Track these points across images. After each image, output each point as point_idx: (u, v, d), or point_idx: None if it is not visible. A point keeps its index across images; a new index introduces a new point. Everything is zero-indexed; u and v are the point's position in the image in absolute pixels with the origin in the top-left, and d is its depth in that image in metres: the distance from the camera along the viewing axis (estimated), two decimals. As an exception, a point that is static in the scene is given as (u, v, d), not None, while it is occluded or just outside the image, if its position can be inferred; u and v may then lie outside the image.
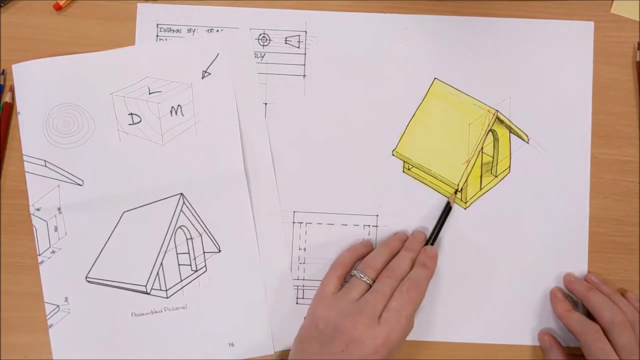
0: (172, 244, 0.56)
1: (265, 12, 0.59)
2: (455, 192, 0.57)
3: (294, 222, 0.57)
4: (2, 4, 0.58)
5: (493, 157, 0.58)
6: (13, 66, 0.57)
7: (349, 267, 0.54)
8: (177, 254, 0.56)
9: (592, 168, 0.57)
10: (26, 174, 0.57)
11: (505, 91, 0.58)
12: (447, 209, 0.56)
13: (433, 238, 0.56)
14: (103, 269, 0.56)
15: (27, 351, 0.56)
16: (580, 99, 0.58)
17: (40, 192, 0.56)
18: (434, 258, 0.54)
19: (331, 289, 0.52)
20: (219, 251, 0.57)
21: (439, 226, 0.56)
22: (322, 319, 0.50)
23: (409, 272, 0.52)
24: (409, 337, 0.56)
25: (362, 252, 0.55)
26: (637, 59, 0.58)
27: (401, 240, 0.55)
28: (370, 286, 0.51)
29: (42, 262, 0.56)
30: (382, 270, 0.52)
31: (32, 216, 0.56)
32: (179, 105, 0.57)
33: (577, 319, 0.53)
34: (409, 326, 0.50)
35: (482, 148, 0.58)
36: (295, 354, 0.51)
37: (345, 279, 0.54)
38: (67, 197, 0.56)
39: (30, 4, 0.59)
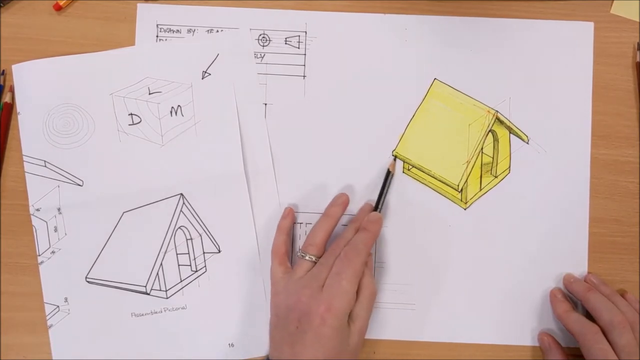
0: (172, 244, 0.56)
1: (265, 13, 0.59)
2: (395, 159, 0.57)
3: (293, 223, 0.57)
4: (2, 4, 0.58)
5: (493, 158, 0.58)
6: (13, 66, 0.57)
7: (285, 248, 0.54)
8: (177, 254, 0.56)
9: (592, 168, 0.57)
10: (26, 174, 0.57)
11: (505, 92, 0.58)
12: (389, 176, 0.56)
13: (377, 205, 0.56)
14: (103, 269, 0.56)
15: (26, 351, 0.56)
16: (580, 99, 0.58)
17: (40, 192, 0.56)
18: (376, 222, 0.53)
19: (279, 275, 0.53)
20: (219, 251, 0.57)
21: (382, 193, 0.56)
22: (276, 306, 0.51)
23: None
24: (410, 338, 0.56)
25: (288, 227, 0.55)
26: (637, 60, 0.58)
27: (339, 205, 0.55)
28: (315, 263, 0.51)
29: (42, 262, 0.56)
30: (324, 245, 0.52)
31: (32, 216, 0.56)
32: (178, 105, 0.57)
33: (576, 319, 0.53)
34: (352, 288, 0.49)
35: (482, 148, 0.58)
36: (269, 349, 0.52)
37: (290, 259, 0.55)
38: (67, 198, 0.56)
39: (30, 4, 0.59)
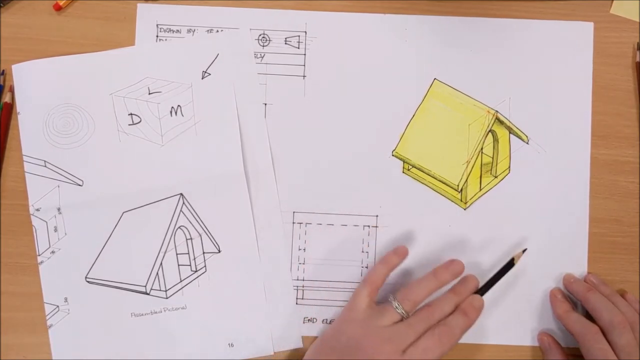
0: (171, 244, 0.56)
1: (265, 13, 0.59)
2: (523, 252, 0.55)
3: (293, 223, 0.57)
4: (2, 4, 0.58)
5: (493, 158, 0.58)
6: (13, 66, 0.57)
7: (381, 282, 0.52)
8: (176, 254, 0.56)
9: (591, 168, 0.57)
10: (26, 174, 0.57)
11: (505, 92, 0.58)
12: (510, 266, 0.54)
13: (485, 288, 0.54)
14: (103, 269, 0.56)
15: (26, 351, 0.56)
16: (580, 99, 0.58)
17: (40, 192, 0.56)
18: (478, 309, 0.51)
19: (362, 306, 0.51)
20: (219, 251, 0.57)
21: (495, 279, 0.54)
22: (346, 334, 0.50)
23: (448, 315, 0.50)
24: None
25: (395, 264, 0.53)
26: (637, 60, 0.58)
27: (453, 274, 0.52)
28: (403, 318, 0.50)
29: (41, 262, 0.56)
30: (420, 304, 0.51)
31: (31, 216, 0.56)
32: (178, 105, 0.57)
33: (576, 319, 0.53)
34: None
35: (482, 148, 0.58)
36: (312, 355, 0.51)
37: (378, 296, 0.53)
38: (67, 197, 0.56)
39: (30, 4, 0.59)
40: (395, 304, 0.50)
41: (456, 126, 0.58)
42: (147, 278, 0.56)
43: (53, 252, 0.56)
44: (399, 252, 0.54)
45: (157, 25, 0.58)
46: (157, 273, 0.56)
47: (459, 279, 0.53)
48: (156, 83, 0.57)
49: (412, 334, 0.49)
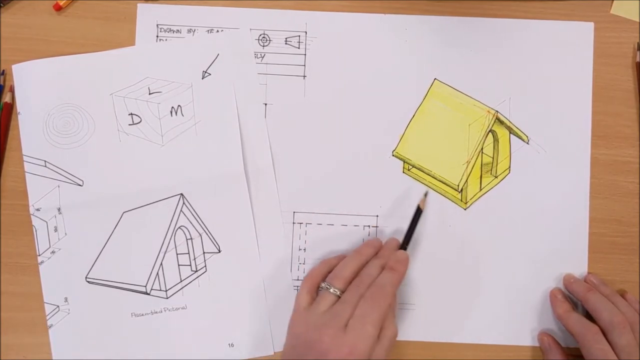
0: (172, 244, 0.56)
1: (265, 13, 0.59)
2: (425, 195, 0.56)
3: (294, 223, 0.57)
4: (2, 4, 0.58)
5: (493, 158, 0.58)
6: (13, 66, 0.57)
7: (319, 279, 0.52)
8: (177, 254, 0.56)
9: (592, 168, 0.57)
10: (26, 174, 0.57)
11: (505, 92, 0.58)
12: (418, 213, 0.56)
13: (405, 243, 0.55)
14: (103, 269, 0.56)
15: (26, 351, 0.56)
16: (580, 99, 0.58)
17: (40, 192, 0.56)
18: (404, 262, 0.52)
19: (303, 305, 0.51)
20: (219, 251, 0.57)
21: (410, 230, 0.55)
22: (295, 336, 0.50)
23: None
24: (410, 338, 0.56)
25: (333, 263, 0.53)
26: (637, 60, 0.58)
27: (373, 247, 0.54)
28: (339, 297, 0.50)
29: (42, 262, 0.56)
30: (351, 280, 0.51)
31: (32, 216, 0.56)
32: (179, 105, 0.57)
33: (576, 319, 0.53)
34: (375, 332, 0.47)
35: (482, 149, 0.58)
36: None
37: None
38: (67, 198, 0.56)
39: (30, 4, 0.59)
40: (326, 285, 0.51)
41: (456, 126, 0.58)
42: (148, 278, 0.56)
43: (53, 252, 0.56)
44: (339, 256, 0.54)
45: (157, 25, 0.58)
46: (158, 273, 0.56)
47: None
48: (156, 83, 0.57)
49: (348, 307, 0.48)
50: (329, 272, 0.53)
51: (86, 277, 0.56)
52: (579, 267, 0.57)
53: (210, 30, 0.58)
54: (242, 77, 0.58)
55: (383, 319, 0.48)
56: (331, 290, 0.50)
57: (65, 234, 0.56)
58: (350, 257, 0.53)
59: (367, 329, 0.47)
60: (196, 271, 0.56)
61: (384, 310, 0.48)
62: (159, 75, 0.58)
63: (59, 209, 0.56)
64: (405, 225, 0.57)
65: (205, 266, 0.56)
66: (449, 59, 0.58)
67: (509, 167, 0.58)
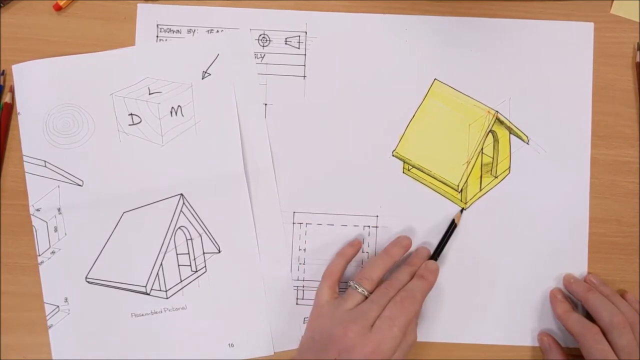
0: (172, 245, 0.56)
1: (265, 13, 0.59)
2: (462, 211, 0.57)
3: (294, 223, 0.57)
4: (2, 4, 0.58)
5: (493, 158, 0.58)
6: (13, 66, 0.57)
7: (339, 274, 0.54)
8: (177, 254, 0.56)
9: (591, 169, 0.57)
10: (26, 174, 0.57)
11: (505, 92, 0.58)
12: (452, 227, 0.56)
13: (436, 254, 0.56)
14: (103, 269, 0.56)
15: (26, 351, 0.56)
16: (580, 99, 0.58)
17: (40, 192, 0.56)
18: (434, 272, 0.53)
19: (325, 299, 0.52)
20: (219, 252, 0.57)
21: (443, 243, 0.56)
22: (316, 330, 0.51)
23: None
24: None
25: (351, 255, 0.55)
26: (637, 60, 0.58)
27: (402, 247, 0.54)
28: (366, 297, 0.51)
29: (42, 262, 0.56)
30: (378, 281, 0.52)
31: (32, 216, 0.56)
32: (179, 105, 0.57)
33: (576, 319, 0.53)
34: (401, 335, 0.48)
35: (482, 149, 0.58)
36: None
37: (340, 286, 0.54)
38: (67, 198, 0.56)
39: (30, 4, 0.59)
40: (355, 285, 0.51)
41: (456, 126, 0.58)
42: (148, 278, 0.56)
43: (53, 252, 0.56)
44: (354, 244, 0.56)
45: (157, 25, 0.58)
46: (158, 273, 0.56)
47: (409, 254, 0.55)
48: (156, 83, 0.57)
49: (376, 308, 0.49)
50: (347, 264, 0.54)
51: (86, 277, 0.56)
52: (579, 267, 0.57)
53: (210, 31, 0.58)
54: (242, 77, 0.58)
55: (409, 324, 0.49)
56: (359, 290, 0.51)
57: (65, 234, 0.56)
58: (379, 258, 0.53)
59: (394, 331, 0.48)
60: (196, 271, 0.56)
61: (411, 316, 0.49)
62: (159, 76, 0.58)
63: (59, 209, 0.56)
64: (405, 226, 0.57)
65: (205, 266, 0.56)
66: (449, 59, 0.58)
67: (509, 167, 0.58)
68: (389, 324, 0.48)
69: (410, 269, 0.53)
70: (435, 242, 0.57)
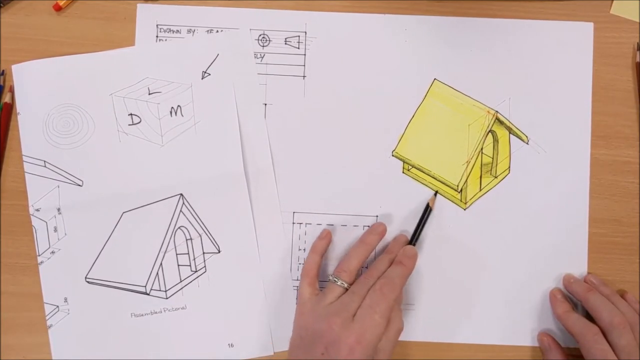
0: (171, 245, 0.56)
1: (265, 13, 0.59)
2: (435, 194, 0.57)
3: (293, 223, 0.57)
4: (2, 4, 0.58)
5: (493, 158, 0.58)
6: (13, 66, 0.57)
7: (316, 270, 0.54)
8: (176, 254, 0.56)
9: (591, 169, 0.57)
10: (26, 174, 0.57)
11: (505, 92, 0.58)
12: (427, 211, 0.56)
13: (413, 239, 0.56)
14: (103, 269, 0.56)
15: (26, 351, 0.56)
16: (579, 99, 0.58)
17: (40, 192, 0.56)
18: (412, 257, 0.53)
19: (306, 296, 0.52)
20: (219, 252, 0.57)
21: (419, 227, 0.56)
22: (302, 327, 0.51)
23: None
24: (410, 338, 0.56)
25: (323, 248, 0.55)
26: (637, 60, 0.58)
27: (377, 233, 0.55)
28: (346, 289, 0.51)
29: (41, 262, 0.56)
30: (357, 272, 0.52)
31: (31, 217, 0.56)
32: (178, 105, 0.57)
33: (576, 319, 0.53)
34: (384, 322, 0.49)
35: (481, 149, 0.58)
36: None
37: (320, 280, 0.55)
38: (66, 198, 0.56)
39: (30, 4, 0.59)
40: (334, 278, 0.52)
41: (456, 126, 0.58)
42: (147, 278, 0.56)
43: (53, 252, 0.56)
44: (323, 235, 0.56)
45: (157, 25, 0.58)
46: (157, 273, 0.56)
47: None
48: (156, 83, 0.57)
49: (356, 299, 0.50)
50: (321, 257, 0.55)
51: (86, 277, 0.56)
52: (579, 267, 0.57)
53: (210, 31, 0.58)
54: (242, 77, 0.58)
55: (390, 310, 0.49)
56: (338, 283, 0.51)
57: (65, 234, 0.56)
58: (355, 248, 0.54)
59: (375, 318, 0.48)
60: (196, 271, 0.56)
61: (391, 302, 0.49)
62: (159, 76, 0.58)
63: (58, 209, 0.56)
64: (405, 226, 0.57)
65: (205, 266, 0.56)
66: (449, 59, 0.58)
67: (509, 167, 0.58)
68: (369, 312, 0.48)
69: (388, 256, 0.53)
70: (435, 241, 0.57)
